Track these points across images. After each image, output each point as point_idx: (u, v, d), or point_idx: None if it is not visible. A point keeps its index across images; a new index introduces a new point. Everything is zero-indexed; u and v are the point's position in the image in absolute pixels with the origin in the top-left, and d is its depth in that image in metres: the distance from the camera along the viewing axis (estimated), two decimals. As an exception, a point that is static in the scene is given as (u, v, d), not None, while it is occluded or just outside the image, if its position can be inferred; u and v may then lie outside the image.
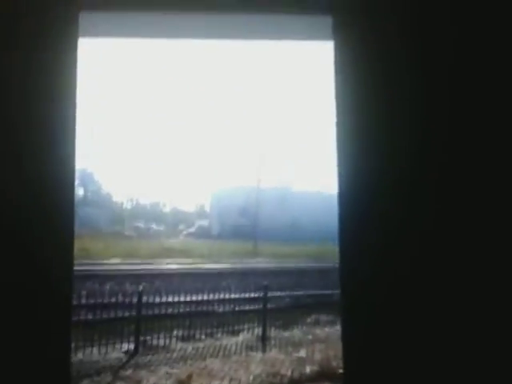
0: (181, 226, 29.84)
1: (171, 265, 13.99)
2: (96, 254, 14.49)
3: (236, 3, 1.49)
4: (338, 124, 1.45)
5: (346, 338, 1.39)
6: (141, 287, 6.80)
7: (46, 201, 1.33)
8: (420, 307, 1.37)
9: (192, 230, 29.03)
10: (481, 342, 1.35)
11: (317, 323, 8.05)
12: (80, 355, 5.51)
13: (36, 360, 1.22)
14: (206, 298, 7.73)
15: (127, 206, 31.33)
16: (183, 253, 18.14)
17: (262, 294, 7.49)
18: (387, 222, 1.41)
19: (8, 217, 1.32)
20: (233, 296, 8.14)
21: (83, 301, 7.01)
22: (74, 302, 6.69)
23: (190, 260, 16.16)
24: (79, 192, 29.18)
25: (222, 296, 7.98)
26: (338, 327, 7.96)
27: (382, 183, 1.41)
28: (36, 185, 1.34)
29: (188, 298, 7.43)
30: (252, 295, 8.08)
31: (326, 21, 1.52)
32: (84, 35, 1.54)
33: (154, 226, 28.33)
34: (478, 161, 1.44)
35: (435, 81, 1.48)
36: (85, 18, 1.51)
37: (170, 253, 17.66)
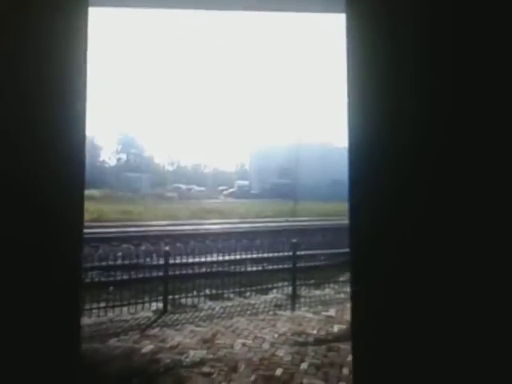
0: (222, 187, 30.18)
1: (208, 225, 14.19)
2: (137, 216, 15.05)
3: None
4: (349, 91, 1.49)
5: (354, 297, 1.54)
6: (167, 249, 6.89)
7: (56, 163, 1.38)
8: (427, 268, 1.42)
9: (232, 190, 29.30)
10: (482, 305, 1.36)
11: (349, 281, 7.86)
12: (111, 314, 5.74)
13: (47, 319, 1.29)
14: (237, 257, 7.78)
15: (169, 168, 32.11)
16: (222, 213, 18.42)
17: (291, 253, 7.36)
18: (396, 181, 1.45)
19: (20, 180, 1.36)
20: (265, 255, 8.11)
21: (118, 262, 7.34)
22: (110, 263, 6.98)
23: (227, 220, 16.34)
24: (122, 157, 30.27)
25: (253, 255, 7.98)
26: (371, 286, 7.76)
27: (391, 144, 1.46)
28: (47, 147, 1.39)
29: (220, 258, 7.51)
30: (282, 254, 7.98)
31: None
32: (94, 4, 1.55)
33: (195, 187, 28.84)
34: (482, 124, 1.40)
35: (442, 52, 1.43)
36: None
37: (209, 213, 18.00)
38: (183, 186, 29.00)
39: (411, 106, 1.42)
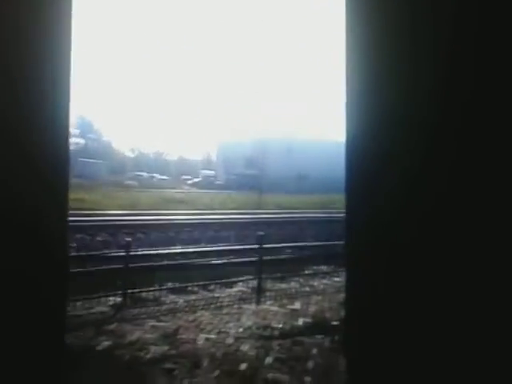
0: (186, 176, 29.51)
1: (170, 216, 13.79)
2: (92, 205, 14.36)
3: None
4: (348, 81, 1.66)
5: (349, 289, 1.72)
6: (128, 239, 6.56)
7: (40, 152, 1.60)
8: (423, 264, 1.49)
9: (197, 179, 28.77)
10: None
11: (315, 275, 7.88)
12: (63, 309, 5.37)
13: (33, 310, 1.53)
14: (201, 249, 7.59)
15: (129, 154, 30.83)
16: (186, 203, 18.01)
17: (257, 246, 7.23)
18: (393, 173, 1.52)
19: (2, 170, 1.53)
20: (230, 247, 7.99)
21: (73, 253, 6.92)
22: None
23: (191, 211, 16.00)
24: (80, 141, 28.68)
25: (218, 247, 7.84)
26: (336, 279, 7.78)
27: (389, 133, 1.54)
28: (31, 135, 1.61)
29: (183, 250, 7.29)
30: (248, 246, 7.86)
31: None
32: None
33: (157, 176, 27.89)
34: (500, 130, 1.44)
35: (444, 31, 1.48)
36: None
37: (171, 203, 17.53)
38: (145, 174, 28.12)
39: (419, 100, 1.40)
